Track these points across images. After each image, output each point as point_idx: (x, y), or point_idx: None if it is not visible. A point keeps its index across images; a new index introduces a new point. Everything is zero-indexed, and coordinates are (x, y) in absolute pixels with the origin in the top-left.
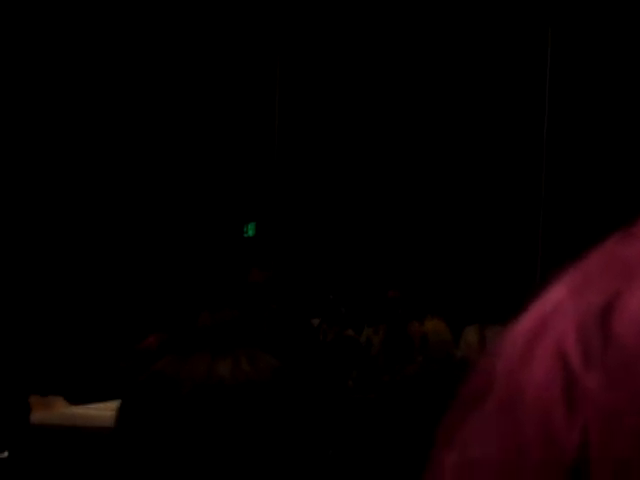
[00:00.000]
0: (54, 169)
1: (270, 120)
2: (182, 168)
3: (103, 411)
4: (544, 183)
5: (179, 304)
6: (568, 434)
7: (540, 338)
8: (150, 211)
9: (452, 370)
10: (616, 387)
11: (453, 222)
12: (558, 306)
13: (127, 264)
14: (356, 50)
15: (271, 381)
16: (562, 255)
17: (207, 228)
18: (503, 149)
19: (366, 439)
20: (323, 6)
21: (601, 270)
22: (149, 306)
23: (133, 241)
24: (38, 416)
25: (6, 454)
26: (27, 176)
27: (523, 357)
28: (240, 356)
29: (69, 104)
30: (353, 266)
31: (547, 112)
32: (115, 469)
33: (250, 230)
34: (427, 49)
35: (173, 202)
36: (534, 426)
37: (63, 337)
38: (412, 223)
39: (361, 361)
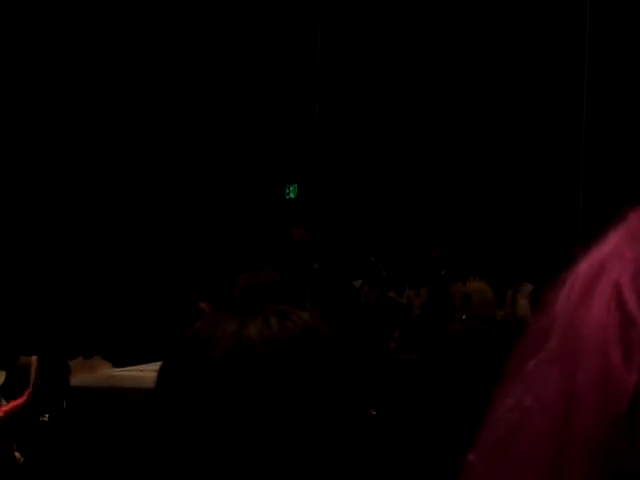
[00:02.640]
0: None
1: (312, 82)
2: (223, 130)
3: (143, 372)
4: (584, 151)
5: (222, 267)
6: (626, 375)
7: (598, 281)
8: (193, 174)
9: (494, 328)
10: None
11: (496, 183)
12: (616, 251)
13: (170, 226)
14: (399, 12)
15: (300, 340)
16: (602, 214)
17: (249, 190)
18: (542, 109)
19: (409, 400)
20: None
21: None
22: (192, 269)
23: (175, 205)
24: (80, 378)
25: (47, 417)
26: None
27: (581, 299)
28: (270, 315)
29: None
30: (394, 228)
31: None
32: (153, 431)
33: (292, 192)
34: (473, 22)
35: (215, 164)
36: (591, 366)
37: (108, 300)
38: (455, 183)
39: (403, 322)
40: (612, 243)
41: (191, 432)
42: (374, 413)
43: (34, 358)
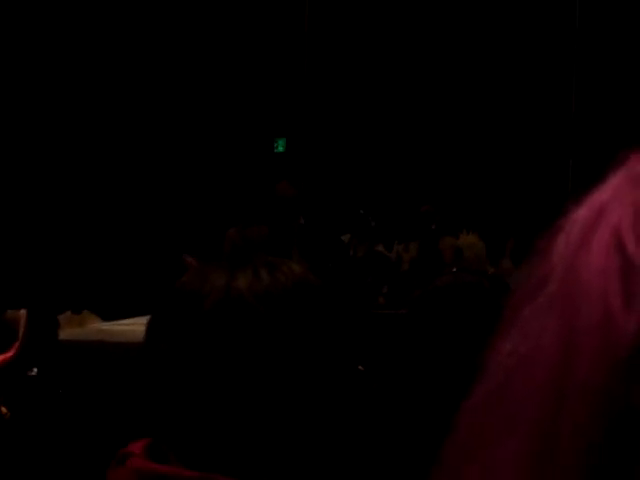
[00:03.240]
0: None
1: (300, 35)
2: (211, 84)
3: (132, 326)
4: (575, 104)
5: (210, 220)
6: (626, 320)
7: (597, 225)
8: (181, 130)
9: (485, 281)
10: None
11: (487, 136)
12: (616, 194)
13: (158, 181)
14: None
15: (291, 291)
16: (594, 169)
17: (237, 144)
18: (531, 60)
19: (397, 355)
20: None
21: None
22: (179, 223)
23: (162, 159)
24: (69, 332)
25: (35, 371)
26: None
27: (580, 244)
28: (259, 267)
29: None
30: (384, 182)
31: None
32: (143, 384)
33: (280, 146)
34: None
35: (202, 118)
36: (592, 312)
37: (96, 254)
38: (446, 137)
39: (392, 277)
40: (612, 187)
41: (180, 384)
42: (362, 369)
43: (23, 312)
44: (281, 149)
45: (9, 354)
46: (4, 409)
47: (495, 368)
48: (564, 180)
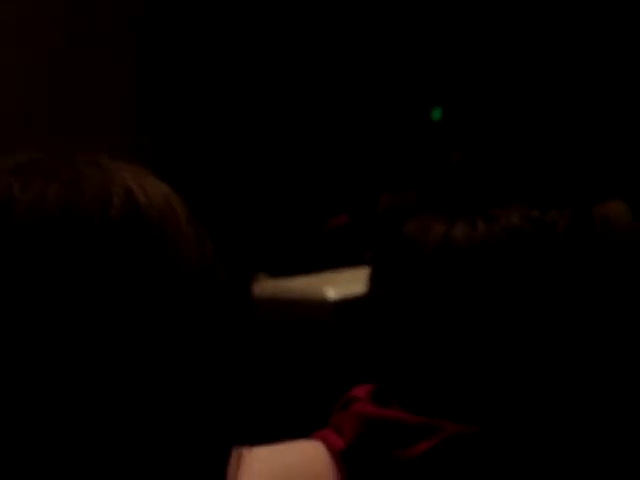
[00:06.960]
0: None
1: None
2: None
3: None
4: None
5: (364, 185)
6: None
7: None
8: (337, 94)
9: None
10: None
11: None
12: None
13: (316, 146)
14: None
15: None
16: None
17: (391, 111)
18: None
19: None
20: None
21: None
22: (335, 187)
23: (318, 128)
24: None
25: None
26: None
27: None
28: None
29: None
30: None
31: None
32: (368, 335)
33: (436, 114)
34: None
35: (364, 86)
36: None
37: (260, 214)
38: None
39: None
40: None
41: (403, 331)
42: None
43: None
44: (437, 117)
45: None
46: None
47: None
48: None
